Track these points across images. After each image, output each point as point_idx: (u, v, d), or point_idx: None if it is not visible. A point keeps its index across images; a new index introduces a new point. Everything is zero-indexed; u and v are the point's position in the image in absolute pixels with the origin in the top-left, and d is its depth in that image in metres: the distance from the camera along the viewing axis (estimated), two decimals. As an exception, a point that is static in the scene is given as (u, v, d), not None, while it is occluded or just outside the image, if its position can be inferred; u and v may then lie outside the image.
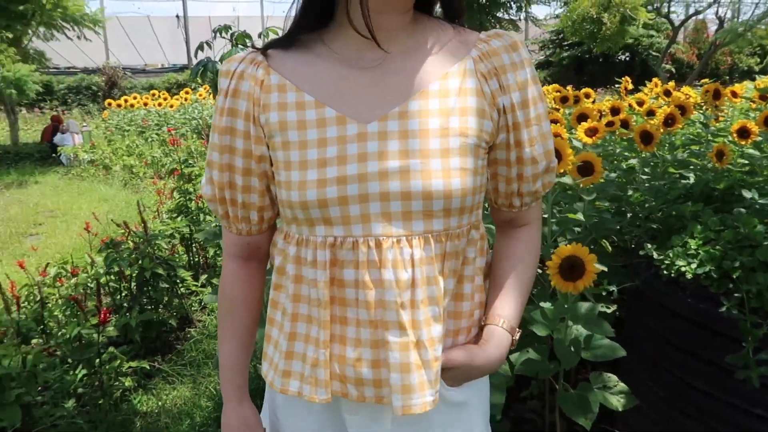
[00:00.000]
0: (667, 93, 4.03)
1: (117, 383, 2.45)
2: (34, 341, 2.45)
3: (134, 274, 2.84)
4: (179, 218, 3.61)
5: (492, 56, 0.82)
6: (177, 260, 3.20)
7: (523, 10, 6.11)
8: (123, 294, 2.94)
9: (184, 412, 2.37)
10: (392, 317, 0.76)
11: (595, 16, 11.75)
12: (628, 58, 19.12)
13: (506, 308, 0.88)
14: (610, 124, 2.72)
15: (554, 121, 2.73)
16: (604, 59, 18.45)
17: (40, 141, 10.94)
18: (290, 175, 0.78)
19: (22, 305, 2.66)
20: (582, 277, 1.30)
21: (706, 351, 1.54)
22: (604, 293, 1.83)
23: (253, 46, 0.87)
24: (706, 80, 3.74)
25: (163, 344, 2.93)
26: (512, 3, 5.83)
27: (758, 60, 19.77)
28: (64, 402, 2.23)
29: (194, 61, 2.06)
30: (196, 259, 3.77)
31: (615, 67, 17.60)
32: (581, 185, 1.88)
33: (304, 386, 0.81)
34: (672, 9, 13.56)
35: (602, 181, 2.39)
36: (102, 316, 2.29)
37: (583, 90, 4.20)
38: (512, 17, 6.03)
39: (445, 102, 0.78)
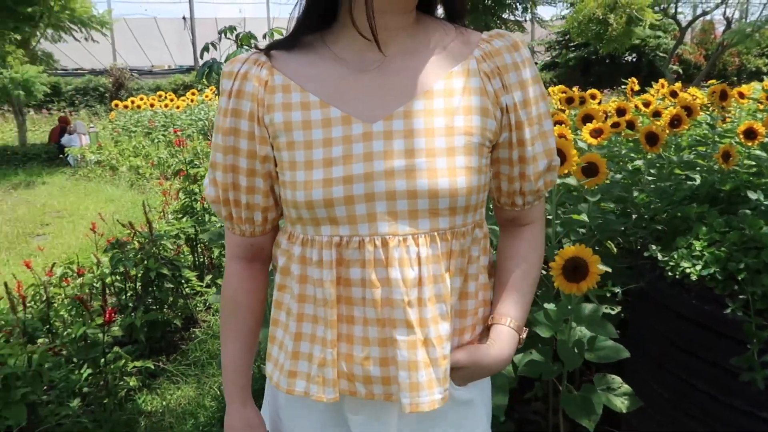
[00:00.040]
0: (674, 94, 4.02)
1: (122, 383, 2.46)
2: (40, 341, 2.47)
3: (139, 275, 2.85)
4: (184, 219, 3.63)
5: (494, 56, 0.82)
6: (182, 261, 3.21)
7: (529, 11, 6.10)
8: (128, 294, 2.95)
9: (188, 411, 2.37)
10: (399, 315, 0.77)
11: (601, 17, 11.71)
12: (634, 59, 19.05)
13: (512, 307, 0.89)
14: (615, 125, 2.71)
15: (559, 122, 2.73)
16: (611, 60, 18.38)
17: (47, 142, 11.01)
18: (295, 175, 0.78)
19: (28, 305, 2.67)
20: (585, 279, 1.30)
21: (710, 353, 1.53)
22: (608, 295, 1.82)
23: (257, 47, 0.87)
24: (714, 81, 3.72)
25: (168, 344, 2.94)
26: (518, 4, 5.82)
27: (766, 61, 19.66)
28: (70, 401, 2.24)
29: (200, 63, 2.07)
30: (201, 260, 3.79)
31: (621, 68, 17.56)
32: (586, 186, 1.87)
33: (311, 386, 0.81)
34: (679, 10, 13.49)
35: (607, 182, 2.38)
36: (107, 316, 2.30)
37: (589, 91, 4.19)
38: (518, 18, 6.03)
39: (450, 101, 0.79)
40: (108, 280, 2.93)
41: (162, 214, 4.32)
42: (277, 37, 1.83)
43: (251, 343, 0.94)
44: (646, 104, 3.78)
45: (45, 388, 2.24)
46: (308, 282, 0.81)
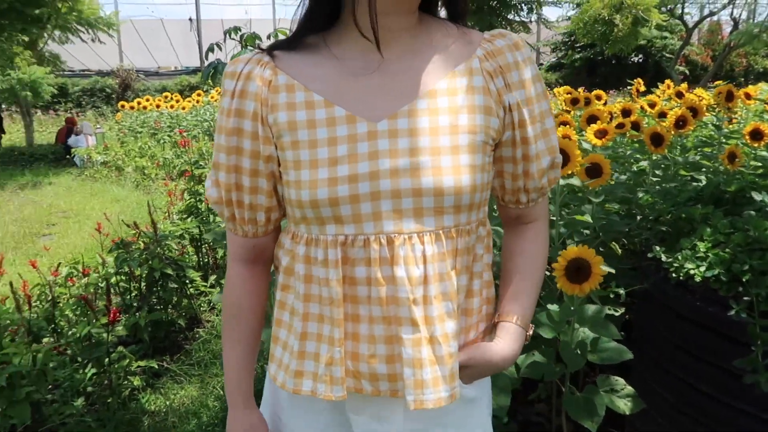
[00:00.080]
0: (680, 95, 4.00)
1: (126, 382, 2.47)
2: (45, 340, 2.48)
3: (144, 275, 2.86)
4: (189, 219, 3.64)
5: (497, 55, 0.83)
6: (186, 261, 3.22)
7: (534, 11, 6.09)
8: (133, 294, 2.96)
9: (192, 411, 2.38)
10: (405, 313, 0.77)
11: (606, 18, 11.67)
12: (641, 60, 18.99)
13: (519, 304, 0.89)
14: (620, 126, 2.70)
15: (564, 123, 2.72)
16: (617, 61, 18.33)
17: (54, 142, 11.09)
18: (300, 174, 0.79)
19: (33, 304, 2.69)
20: (588, 280, 1.30)
21: (714, 355, 1.52)
22: (611, 296, 1.82)
23: (259, 47, 0.87)
24: (720, 82, 3.70)
25: (172, 344, 2.95)
26: (523, 5, 5.82)
27: (774, 62, 19.55)
28: (74, 400, 2.25)
29: (206, 64, 2.07)
30: (206, 260, 3.80)
31: (628, 69, 17.50)
32: (590, 187, 1.87)
33: (318, 385, 0.81)
34: (686, 10, 13.44)
35: (612, 183, 2.37)
36: (111, 315, 2.31)
37: (594, 92, 4.18)
38: (523, 19, 6.03)
39: (454, 100, 0.79)
40: (113, 280, 2.94)
41: (167, 214, 4.33)
42: (281, 37, 1.84)
43: (254, 345, 0.93)
44: (652, 105, 3.76)
45: (49, 387, 2.25)
46: (313, 281, 0.81)
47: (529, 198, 0.90)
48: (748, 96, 3.34)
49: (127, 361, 2.42)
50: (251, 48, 2.01)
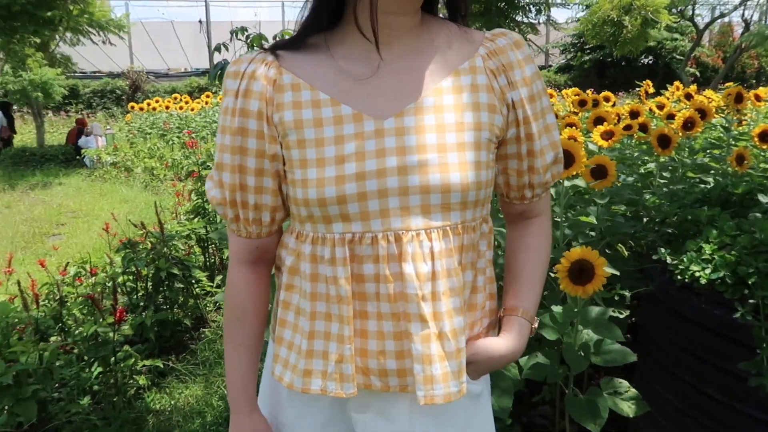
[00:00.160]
0: (689, 97, 3.97)
1: (131, 381, 2.49)
2: (52, 339, 2.50)
3: (150, 274, 2.88)
4: (196, 219, 3.65)
5: (499, 54, 0.84)
6: (193, 261, 3.23)
7: (543, 13, 6.08)
8: (140, 293, 2.98)
9: (196, 410, 2.39)
10: (414, 310, 0.77)
11: (615, 19, 11.62)
12: (651, 62, 18.87)
13: (524, 298, 0.91)
14: (627, 127, 2.69)
15: (570, 125, 2.71)
16: (627, 63, 18.23)
17: (65, 143, 11.16)
18: (306, 173, 0.79)
19: (42, 303, 2.71)
20: (591, 281, 1.29)
21: (719, 357, 1.51)
22: (616, 298, 1.81)
23: (262, 47, 0.88)
24: (730, 84, 3.66)
25: (178, 343, 2.96)
26: (531, 6, 5.81)
27: (786, 64, 19.35)
28: (80, 399, 2.26)
29: (214, 65, 2.08)
30: (212, 260, 3.81)
31: (637, 71, 17.39)
32: (595, 188, 1.86)
33: (328, 383, 0.81)
34: (696, 12, 13.33)
35: (618, 185, 2.36)
36: (118, 315, 2.33)
37: (603, 93, 4.16)
38: (531, 21, 6.01)
39: (459, 98, 0.80)
40: (120, 279, 2.96)
41: (174, 215, 4.36)
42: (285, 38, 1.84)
43: (257, 348, 0.92)
44: (660, 107, 3.74)
45: (56, 385, 2.27)
46: (320, 280, 0.81)
47: (533, 193, 0.92)
48: (758, 98, 3.32)
49: (133, 360, 2.44)
50: (258, 49, 2.02)
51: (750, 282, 1.44)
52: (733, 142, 2.82)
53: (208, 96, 11.46)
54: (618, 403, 1.51)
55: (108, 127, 12.14)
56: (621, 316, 1.83)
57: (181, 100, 11.93)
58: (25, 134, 13.24)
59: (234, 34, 2.17)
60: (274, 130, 0.81)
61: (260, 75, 0.81)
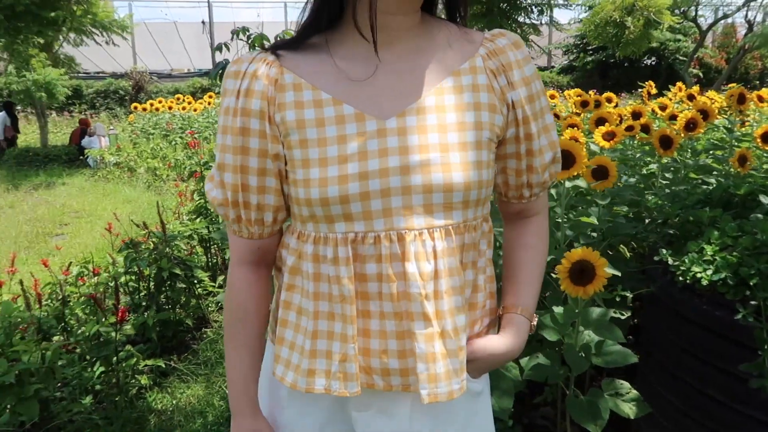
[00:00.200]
0: (691, 98, 3.96)
1: (133, 381, 2.49)
2: (55, 338, 2.51)
3: (153, 274, 2.88)
4: (198, 220, 3.66)
5: (499, 54, 0.85)
6: (195, 261, 3.24)
7: (545, 14, 6.07)
8: (142, 293, 2.99)
9: (198, 410, 2.39)
10: (417, 309, 0.77)
11: (618, 20, 11.60)
12: (654, 63, 18.83)
13: (523, 296, 0.92)
14: (629, 128, 2.68)
15: (572, 125, 2.71)
16: (630, 64, 18.20)
17: (68, 143, 11.20)
18: (309, 173, 0.79)
19: (44, 303, 2.72)
20: (592, 282, 1.29)
21: (721, 359, 1.50)
22: (618, 299, 1.80)
23: (263, 47, 0.88)
24: (733, 85, 3.66)
25: (179, 343, 2.97)
26: (533, 7, 5.81)
27: (790, 65, 19.29)
28: (82, 398, 2.27)
29: (215, 64, 2.09)
30: (215, 260, 3.82)
31: (640, 72, 17.35)
32: (597, 189, 1.86)
33: (332, 382, 0.81)
34: (700, 13, 13.30)
35: (620, 185, 2.36)
36: (120, 314, 2.33)
37: (605, 94, 4.15)
38: (534, 22, 6.01)
39: (460, 98, 0.81)
40: (122, 279, 2.97)
41: (177, 215, 4.37)
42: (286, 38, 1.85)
43: (259, 349, 0.92)
44: (663, 108, 3.73)
45: (58, 384, 2.27)
46: (322, 279, 0.81)
47: (531, 192, 0.92)
48: (760, 99, 3.30)
49: (135, 360, 2.44)
50: (259, 49, 2.02)
51: (751, 283, 1.44)
52: (736, 143, 2.81)
53: (210, 96, 11.48)
54: (619, 405, 1.51)
55: (111, 128, 12.17)
56: (622, 317, 1.83)
57: (183, 100, 11.96)
58: (28, 134, 13.28)
59: (235, 34, 2.17)
60: (276, 129, 0.81)
61: (262, 74, 0.81)
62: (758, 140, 2.32)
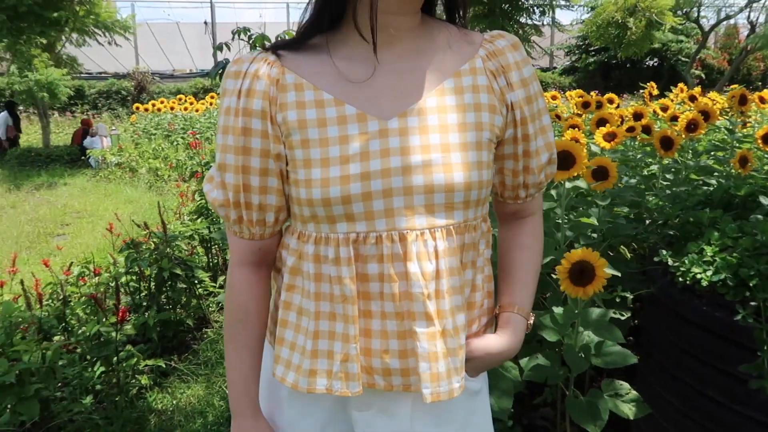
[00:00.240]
0: (693, 98, 3.96)
1: (134, 381, 2.49)
2: (56, 338, 2.51)
3: (153, 274, 2.89)
4: (199, 220, 3.67)
5: (498, 55, 0.86)
6: (196, 261, 3.24)
7: (547, 15, 6.07)
8: (142, 293, 2.99)
9: (198, 410, 2.40)
10: (419, 308, 0.78)
11: (620, 21, 11.59)
12: (656, 64, 18.82)
13: (519, 295, 0.93)
14: (631, 129, 2.68)
15: (573, 126, 2.71)
16: (632, 65, 18.19)
17: (70, 144, 11.22)
18: (310, 173, 0.79)
19: (45, 303, 2.72)
20: (592, 282, 1.29)
21: (720, 360, 1.50)
22: (618, 300, 1.80)
23: (263, 47, 0.88)
24: (736, 86, 3.65)
25: (180, 344, 2.97)
26: (535, 8, 5.80)
27: (792, 66, 19.25)
28: (82, 398, 2.27)
29: (215, 63, 2.09)
30: (215, 261, 3.82)
31: (642, 73, 17.33)
32: (597, 190, 1.86)
33: (333, 382, 0.81)
34: (702, 14, 13.29)
35: (621, 186, 2.36)
36: (120, 314, 2.33)
37: (607, 95, 4.15)
38: (536, 22, 6.00)
39: (460, 98, 0.81)
40: (123, 279, 2.97)
41: (178, 215, 4.37)
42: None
43: (259, 350, 0.91)
44: (664, 109, 3.73)
45: (58, 384, 2.28)
46: (323, 280, 0.82)
47: (527, 193, 0.93)
48: (762, 100, 3.30)
49: (135, 360, 2.45)
50: (260, 49, 2.03)
51: (751, 284, 1.44)
52: (737, 145, 2.81)
53: (212, 97, 11.50)
54: (619, 405, 1.50)
55: (113, 128, 12.19)
56: (622, 318, 1.83)
57: (185, 101, 11.98)
58: (30, 134, 13.31)
59: (237, 34, 2.18)
60: (278, 129, 0.81)
61: (263, 74, 0.81)
62: (759, 141, 2.32)
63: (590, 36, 12.93)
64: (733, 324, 1.43)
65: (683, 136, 2.50)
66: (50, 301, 2.80)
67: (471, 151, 0.80)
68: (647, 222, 2.24)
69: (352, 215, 0.78)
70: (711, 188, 2.20)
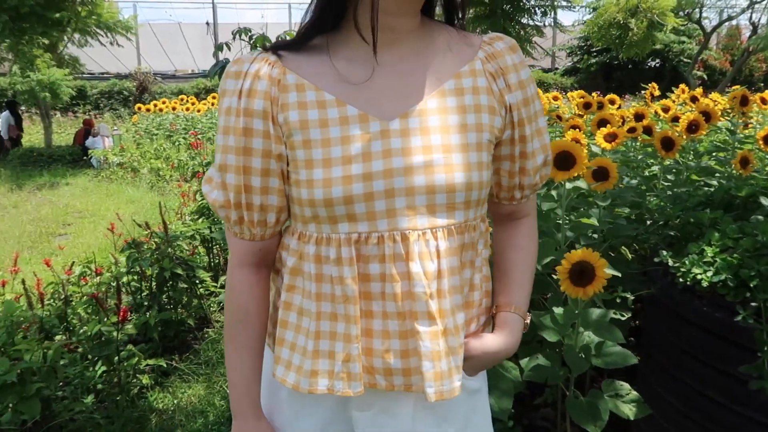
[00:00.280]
0: (694, 99, 3.96)
1: (135, 380, 2.50)
2: (57, 337, 2.52)
3: (154, 274, 2.89)
4: (201, 220, 3.67)
5: (497, 57, 0.87)
6: (197, 261, 3.24)
7: (549, 15, 6.07)
8: (144, 293, 3.00)
9: (198, 410, 2.40)
10: (422, 308, 0.78)
11: (622, 22, 11.59)
12: (658, 65, 18.80)
13: (515, 295, 0.94)
14: (632, 130, 2.68)
15: (574, 127, 2.71)
16: (633, 66, 18.17)
17: (72, 144, 11.23)
18: (312, 173, 0.79)
19: (47, 302, 2.73)
20: (592, 283, 1.29)
21: (721, 360, 1.50)
22: (618, 300, 1.80)
23: (264, 47, 0.88)
24: (737, 87, 3.65)
25: (181, 343, 2.97)
26: (537, 9, 5.80)
27: (794, 67, 19.21)
28: (83, 397, 2.27)
29: (215, 62, 2.09)
30: (217, 261, 3.83)
31: (644, 74, 17.31)
32: (597, 191, 1.86)
33: (335, 383, 0.81)
34: (704, 15, 13.28)
35: (621, 187, 2.35)
36: (121, 314, 2.34)
37: (608, 96, 4.15)
38: (537, 23, 6.00)
39: (461, 100, 0.82)
40: (124, 279, 2.98)
41: (179, 215, 4.38)
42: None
43: (260, 350, 0.91)
44: (666, 109, 3.73)
45: (60, 383, 2.28)
46: (324, 280, 0.82)
47: (522, 194, 0.94)
48: (763, 101, 3.30)
49: (137, 359, 2.45)
50: (260, 49, 2.03)
51: (752, 285, 1.44)
52: (738, 145, 2.80)
53: (214, 97, 11.50)
54: (619, 406, 1.50)
55: (115, 128, 12.21)
56: (623, 319, 1.83)
57: (187, 101, 11.99)
58: (32, 134, 13.33)
59: (238, 35, 2.18)
60: (279, 130, 0.81)
61: (264, 74, 0.81)
62: (760, 142, 2.32)
63: (592, 37, 12.93)
64: (733, 325, 1.43)
65: (684, 136, 2.50)
66: (52, 300, 2.81)
67: (472, 152, 0.81)
68: (648, 223, 2.24)
69: (354, 215, 0.78)
70: (712, 189, 2.20)
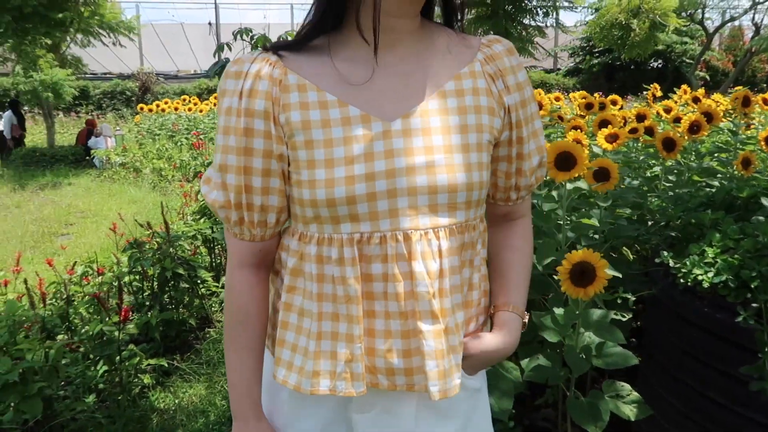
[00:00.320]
0: (696, 100, 3.95)
1: (136, 380, 2.50)
2: (59, 337, 2.52)
3: (156, 274, 2.90)
4: (202, 220, 3.67)
5: (496, 59, 0.88)
6: (199, 261, 3.25)
7: (551, 16, 6.06)
8: (145, 293, 3.00)
9: (200, 410, 2.40)
10: (425, 307, 0.79)
11: (624, 23, 11.57)
12: (660, 66, 18.75)
13: (513, 295, 0.94)
14: (633, 130, 2.68)
15: (576, 128, 2.70)
16: (636, 66, 18.13)
17: (74, 144, 11.26)
18: (314, 174, 0.79)
19: (49, 302, 2.74)
20: (593, 283, 1.29)
21: (722, 361, 1.50)
22: (619, 301, 1.80)
23: (264, 48, 0.88)
24: (739, 88, 3.64)
25: (182, 343, 2.98)
26: (539, 9, 5.79)
27: (797, 68, 19.16)
28: (85, 396, 2.28)
29: (215, 62, 2.10)
30: (218, 261, 3.83)
31: (647, 75, 17.28)
32: (597, 191, 1.85)
33: (337, 383, 0.81)
34: (706, 15, 13.26)
35: (623, 187, 2.35)
36: (123, 314, 2.34)
37: (610, 97, 4.15)
38: (539, 24, 5.99)
39: (461, 101, 0.83)
40: (126, 279, 2.98)
41: (181, 215, 4.38)
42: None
43: (260, 351, 0.91)
44: (668, 110, 3.73)
45: (61, 383, 2.28)
46: (326, 281, 0.82)
47: (518, 195, 0.95)
48: (765, 101, 3.29)
49: (138, 359, 2.45)
50: (261, 49, 2.03)
51: (753, 286, 1.44)
52: (740, 146, 2.80)
53: (216, 98, 11.51)
54: (620, 406, 1.50)
55: (117, 128, 12.24)
56: (624, 319, 1.83)
57: (189, 101, 11.99)
58: (35, 134, 13.36)
59: (239, 35, 2.18)
60: (281, 130, 0.81)
61: (265, 74, 0.80)
62: (762, 143, 2.31)
63: (594, 37, 12.91)
64: (734, 325, 1.43)
65: (686, 137, 2.50)
66: (54, 300, 2.81)
67: (472, 153, 0.82)
68: (649, 223, 2.24)
69: (356, 216, 0.78)
70: (713, 190, 2.20)
